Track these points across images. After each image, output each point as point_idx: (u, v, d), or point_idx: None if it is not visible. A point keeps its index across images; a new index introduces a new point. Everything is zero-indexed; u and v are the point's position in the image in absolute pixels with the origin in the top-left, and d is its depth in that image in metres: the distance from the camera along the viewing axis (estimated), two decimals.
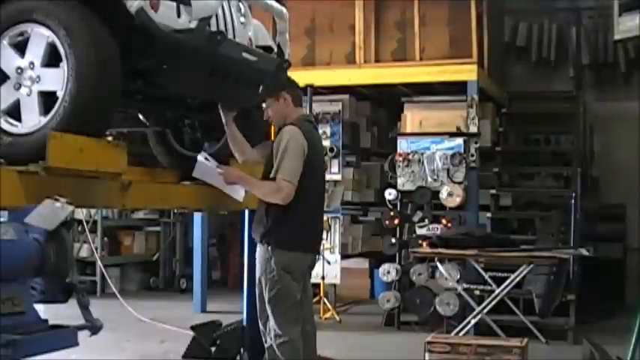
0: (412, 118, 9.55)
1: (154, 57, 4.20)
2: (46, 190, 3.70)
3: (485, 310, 7.66)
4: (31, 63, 3.83)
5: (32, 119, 3.80)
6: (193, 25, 4.25)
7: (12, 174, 3.57)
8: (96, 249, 10.70)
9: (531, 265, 7.51)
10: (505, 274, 7.71)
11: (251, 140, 5.42)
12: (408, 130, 9.46)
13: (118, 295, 9.38)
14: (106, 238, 11.50)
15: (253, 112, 5.42)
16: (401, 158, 9.07)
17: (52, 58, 3.81)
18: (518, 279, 7.56)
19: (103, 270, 10.56)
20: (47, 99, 3.80)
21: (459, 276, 8.21)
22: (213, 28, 4.47)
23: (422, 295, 8.56)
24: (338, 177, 10.29)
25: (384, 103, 11.28)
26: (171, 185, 5.14)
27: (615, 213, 11.33)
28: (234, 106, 5.15)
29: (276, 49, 5.27)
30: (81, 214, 10.59)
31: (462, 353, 5.77)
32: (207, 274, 10.52)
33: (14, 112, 3.84)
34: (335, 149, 10.22)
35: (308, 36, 9.89)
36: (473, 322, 7.68)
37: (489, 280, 7.93)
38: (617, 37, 9.57)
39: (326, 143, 10.23)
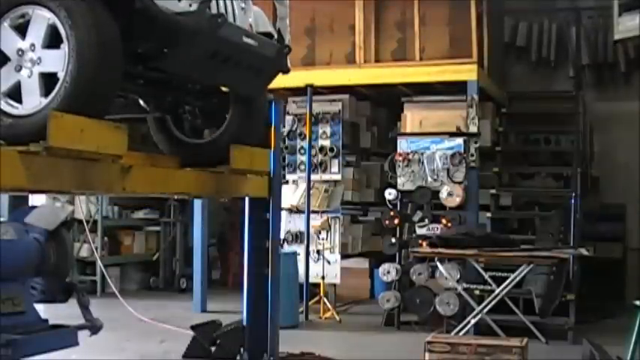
0: (412, 118, 9.55)
1: (155, 39, 4.22)
2: (47, 172, 3.70)
3: (485, 310, 7.66)
4: (32, 45, 3.84)
5: (33, 101, 3.81)
6: (194, 7, 4.27)
7: (12, 154, 3.56)
8: (96, 249, 10.71)
9: (531, 265, 7.51)
10: (505, 274, 7.71)
11: (252, 131, 5.43)
12: (408, 130, 9.46)
13: (118, 295, 9.39)
14: (106, 238, 11.51)
15: (255, 100, 5.43)
16: (401, 158, 9.07)
17: (52, 40, 3.82)
18: (518, 279, 7.56)
19: (103, 270, 10.57)
20: (48, 80, 3.81)
21: (459, 276, 8.21)
22: (214, 12, 4.48)
23: (422, 295, 8.56)
24: (338, 177, 10.31)
25: (384, 103, 11.28)
26: (172, 170, 5.15)
27: (615, 213, 11.34)
28: (234, 91, 5.16)
29: (276, 36, 5.28)
30: (81, 214, 10.60)
31: (461, 353, 5.77)
32: (207, 274, 10.52)
33: (15, 93, 3.85)
34: (335, 149, 10.23)
35: (308, 36, 9.91)
36: (473, 321, 7.68)
37: (489, 280, 7.93)
38: (617, 37, 9.59)
39: (326, 143, 10.27)
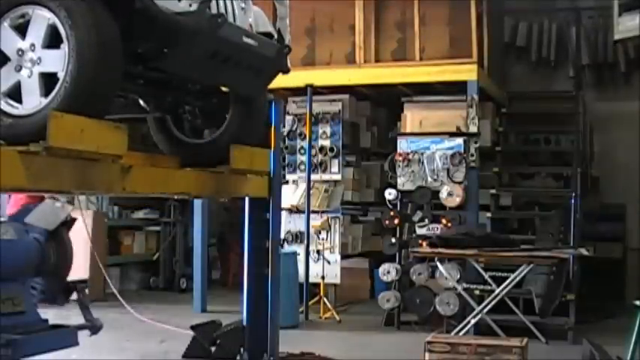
0: (412, 118, 9.55)
1: (155, 39, 4.22)
2: (47, 172, 3.70)
3: (485, 310, 7.66)
4: (32, 45, 3.84)
5: (33, 101, 3.81)
6: (194, 7, 4.28)
7: (12, 154, 3.57)
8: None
9: (531, 265, 7.51)
10: (505, 274, 7.71)
11: (252, 131, 5.45)
12: (408, 130, 9.46)
13: (118, 295, 9.38)
14: (106, 238, 11.49)
15: (255, 100, 5.43)
16: (401, 158, 9.07)
17: (52, 40, 3.83)
18: (518, 279, 7.56)
19: (103, 270, 10.56)
20: (48, 80, 3.81)
21: (459, 276, 8.21)
22: (214, 12, 4.49)
23: (422, 295, 8.56)
24: (338, 177, 10.31)
25: (384, 103, 11.28)
26: (173, 170, 5.16)
27: (615, 213, 11.34)
28: (234, 91, 5.17)
29: (276, 36, 5.29)
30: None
31: (461, 353, 5.77)
32: (207, 274, 10.52)
33: (15, 93, 3.85)
34: (335, 149, 10.23)
35: (308, 36, 9.91)
36: (473, 321, 7.68)
37: (489, 280, 7.93)
38: (617, 37, 9.59)
39: (326, 143, 10.27)
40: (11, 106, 3.85)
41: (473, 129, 9.06)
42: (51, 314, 5.34)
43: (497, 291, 7.63)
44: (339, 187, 10.33)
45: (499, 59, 11.22)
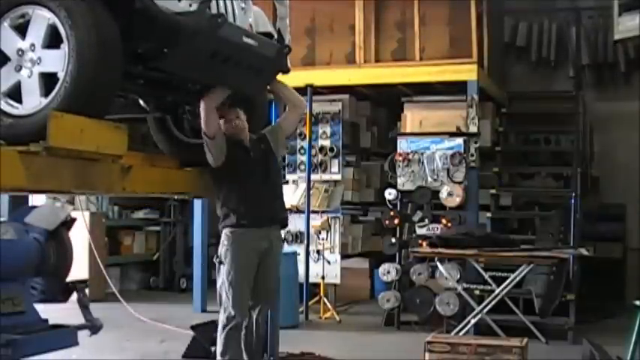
0: (412, 118, 9.55)
1: (155, 39, 4.23)
2: (47, 172, 3.71)
3: (485, 310, 7.66)
4: (32, 45, 3.85)
5: (33, 101, 3.82)
6: (194, 7, 4.28)
7: (12, 154, 3.57)
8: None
9: (531, 265, 7.51)
10: (505, 274, 7.71)
11: (253, 124, 5.47)
12: (408, 130, 9.46)
13: (118, 295, 9.38)
14: (106, 238, 11.49)
15: (255, 100, 5.45)
16: (401, 158, 9.07)
17: (52, 40, 3.83)
18: (518, 279, 7.56)
19: (103, 270, 10.56)
20: (48, 80, 3.82)
21: (459, 276, 8.21)
22: (214, 12, 4.49)
23: (422, 295, 8.57)
24: (338, 177, 10.30)
25: (384, 103, 11.28)
26: (172, 170, 5.17)
27: (615, 213, 11.33)
28: (234, 91, 5.18)
29: (276, 36, 5.30)
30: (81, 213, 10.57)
31: (461, 353, 5.77)
32: (207, 274, 10.51)
33: (15, 93, 3.86)
34: (335, 149, 10.23)
35: (308, 36, 9.90)
36: (473, 321, 7.68)
37: (489, 280, 7.93)
38: (617, 37, 9.58)
39: (326, 143, 10.26)
40: (11, 106, 3.86)
41: (473, 129, 9.05)
42: (51, 314, 5.34)
43: (497, 291, 7.63)
44: (339, 187, 10.33)
45: (499, 59, 11.22)
